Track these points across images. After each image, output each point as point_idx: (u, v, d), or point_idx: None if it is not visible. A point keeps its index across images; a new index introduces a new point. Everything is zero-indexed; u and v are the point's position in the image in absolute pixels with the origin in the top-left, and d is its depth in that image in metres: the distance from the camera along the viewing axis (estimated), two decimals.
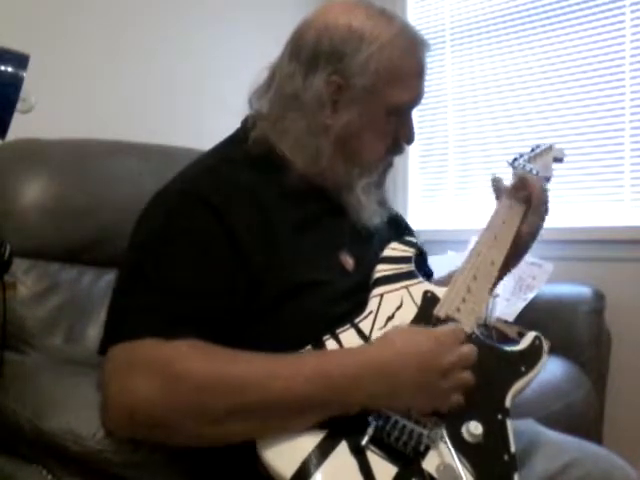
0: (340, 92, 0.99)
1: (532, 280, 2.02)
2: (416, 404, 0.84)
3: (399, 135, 1.06)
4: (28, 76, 0.88)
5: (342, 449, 0.81)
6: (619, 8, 2.07)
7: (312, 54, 0.99)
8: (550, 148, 1.31)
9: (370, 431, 0.82)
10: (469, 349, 0.87)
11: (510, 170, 1.26)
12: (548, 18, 2.21)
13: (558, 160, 1.30)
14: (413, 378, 0.83)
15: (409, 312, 0.98)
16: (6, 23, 1.69)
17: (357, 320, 0.94)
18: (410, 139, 1.08)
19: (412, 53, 1.02)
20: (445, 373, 0.84)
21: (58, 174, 1.37)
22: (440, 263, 1.57)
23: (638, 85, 2.04)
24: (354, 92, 0.99)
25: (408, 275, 1.04)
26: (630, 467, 1.05)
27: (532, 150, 1.30)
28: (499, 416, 0.90)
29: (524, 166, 1.24)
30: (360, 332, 0.93)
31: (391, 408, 0.84)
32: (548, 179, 1.25)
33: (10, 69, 0.86)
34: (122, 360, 0.83)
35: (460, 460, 0.82)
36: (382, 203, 1.09)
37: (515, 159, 1.27)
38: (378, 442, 0.82)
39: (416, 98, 1.05)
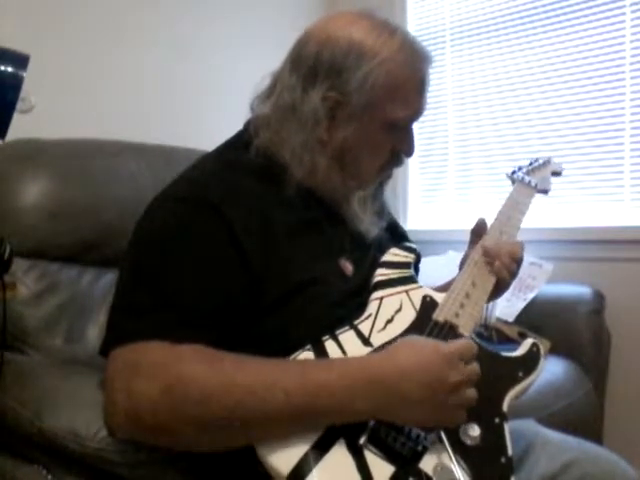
0: (337, 108, 0.98)
1: (532, 280, 2.02)
2: (419, 419, 0.83)
3: (398, 148, 1.05)
4: (28, 76, 0.88)
5: (340, 447, 0.81)
6: (619, 8, 2.06)
7: (312, 67, 0.98)
8: (548, 162, 1.32)
9: (368, 430, 0.82)
10: (475, 367, 0.85)
11: (509, 182, 1.27)
12: (548, 18, 2.20)
13: (556, 174, 1.31)
14: (417, 394, 0.81)
15: (408, 316, 0.98)
16: (6, 23, 1.69)
17: (356, 322, 0.95)
18: (409, 153, 1.07)
19: (413, 68, 1.01)
20: (451, 390, 0.82)
21: (58, 174, 1.37)
22: (441, 263, 1.58)
23: (638, 85, 2.04)
24: (351, 108, 0.98)
25: (407, 280, 1.04)
26: (630, 467, 1.05)
27: (530, 163, 1.31)
28: (496, 420, 0.90)
29: (523, 178, 1.24)
30: (359, 334, 0.93)
31: (394, 421, 0.83)
32: (547, 192, 1.26)
33: (10, 69, 0.87)
34: (127, 362, 0.82)
35: (457, 461, 0.83)
36: (380, 214, 1.09)
37: (514, 172, 1.27)
38: (376, 441, 0.82)
39: (415, 114, 1.04)
